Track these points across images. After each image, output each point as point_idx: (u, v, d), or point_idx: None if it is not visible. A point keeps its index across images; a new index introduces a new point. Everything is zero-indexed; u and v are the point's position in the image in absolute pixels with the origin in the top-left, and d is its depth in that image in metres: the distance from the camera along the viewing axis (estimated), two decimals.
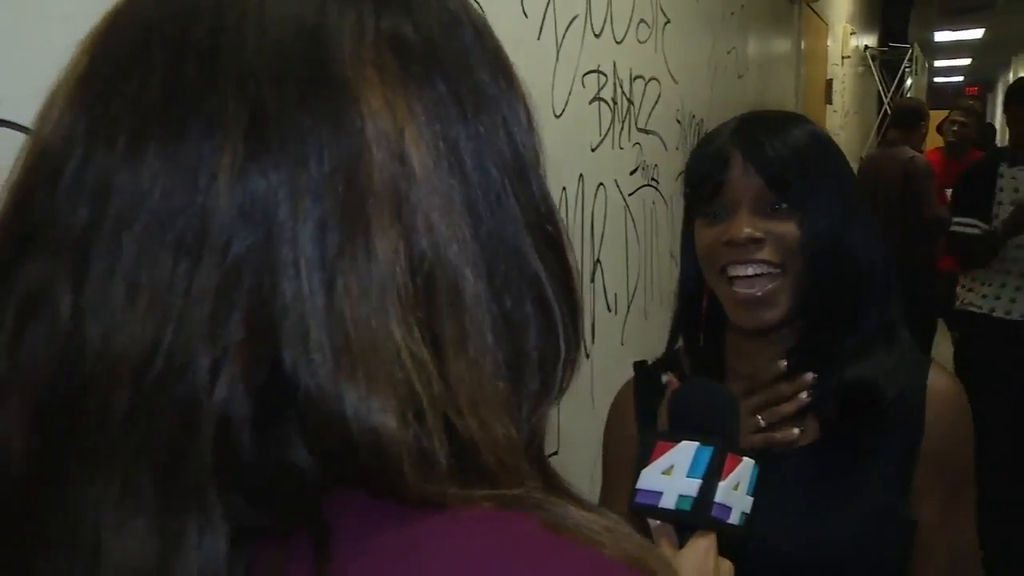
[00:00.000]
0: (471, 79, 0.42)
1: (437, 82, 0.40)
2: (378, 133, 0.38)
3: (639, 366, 1.14)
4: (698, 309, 1.06)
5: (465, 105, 0.41)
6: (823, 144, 1.02)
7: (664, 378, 1.01)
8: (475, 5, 0.45)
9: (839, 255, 0.97)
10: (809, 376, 0.98)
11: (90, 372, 0.35)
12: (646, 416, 1.07)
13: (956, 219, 3.21)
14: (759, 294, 0.97)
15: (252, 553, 0.36)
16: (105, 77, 0.38)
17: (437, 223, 0.38)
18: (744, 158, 0.98)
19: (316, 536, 0.35)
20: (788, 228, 0.97)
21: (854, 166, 1.58)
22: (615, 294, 2.09)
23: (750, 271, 0.97)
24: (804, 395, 0.98)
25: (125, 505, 0.34)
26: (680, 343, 1.10)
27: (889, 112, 5.82)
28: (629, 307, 2.19)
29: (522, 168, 0.42)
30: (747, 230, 0.96)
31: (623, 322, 2.14)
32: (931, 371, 1.01)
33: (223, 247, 0.35)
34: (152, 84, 0.37)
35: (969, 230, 3.13)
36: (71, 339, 0.35)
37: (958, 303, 3.29)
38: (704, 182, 1.00)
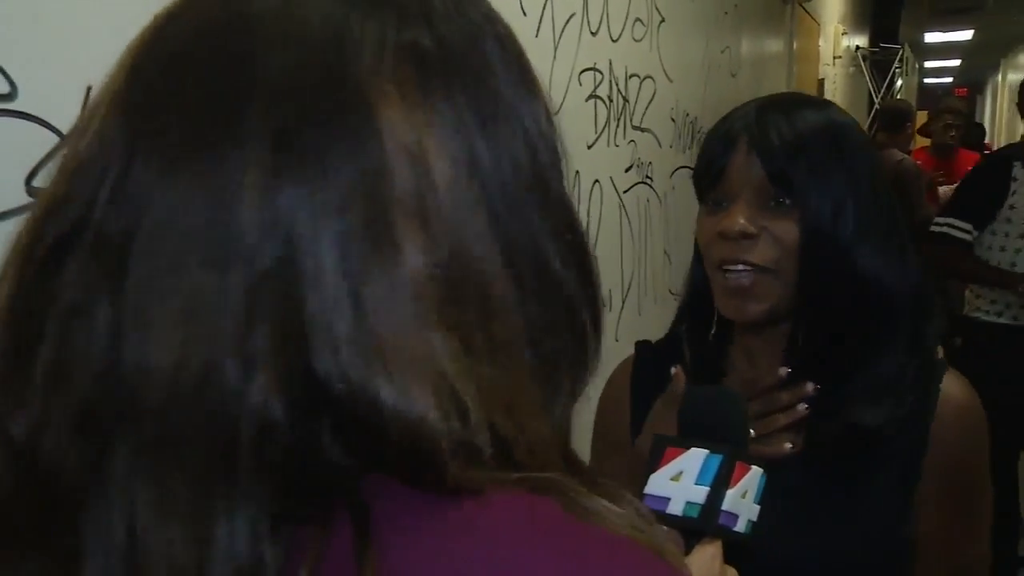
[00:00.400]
0: (490, 89, 0.43)
1: (456, 93, 0.41)
2: (399, 146, 0.39)
3: (642, 345, 1.12)
4: (708, 297, 1.02)
5: (484, 115, 0.42)
6: (840, 137, 0.94)
7: (673, 369, 0.97)
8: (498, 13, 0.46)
9: (842, 272, 0.91)
10: (809, 387, 0.93)
11: (128, 381, 0.36)
12: (641, 400, 1.04)
13: (952, 220, 3.00)
14: (746, 283, 0.93)
15: (291, 537, 0.37)
16: (143, 92, 0.40)
17: (461, 232, 0.40)
18: (749, 145, 0.92)
19: (355, 515, 0.37)
20: (787, 227, 0.91)
21: None
22: (609, 290, 2.11)
23: (739, 268, 0.93)
24: (802, 407, 0.93)
25: (161, 507, 0.36)
26: (684, 328, 1.06)
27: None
28: (624, 303, 2.21)
29: (542, 176, 0.43)
30: (741, 222, 0.91)
31: (617, 318, 2.16)
32: (945, 379, 0.95)
33: (249, 261, 0.36)
34: (186, 102, 0.38)
35: (960, 234, 2.97)
36: (109, 349, 0.37)
37: (967, 309, 3.17)
38: (708, 166, 0.96)
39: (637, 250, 2.31)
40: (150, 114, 0.39)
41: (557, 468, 0.41)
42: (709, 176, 0.96)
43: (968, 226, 2.97)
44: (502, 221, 0.41)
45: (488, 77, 0.43)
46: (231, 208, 0.37)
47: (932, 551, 0.94)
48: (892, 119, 4.70)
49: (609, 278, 2.11)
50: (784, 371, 0.95)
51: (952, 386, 0.95)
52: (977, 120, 11.34)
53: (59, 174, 0.41)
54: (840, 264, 0.91)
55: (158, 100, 0.39)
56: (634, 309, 2.28)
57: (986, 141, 8.11)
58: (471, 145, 0.41)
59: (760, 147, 0.92)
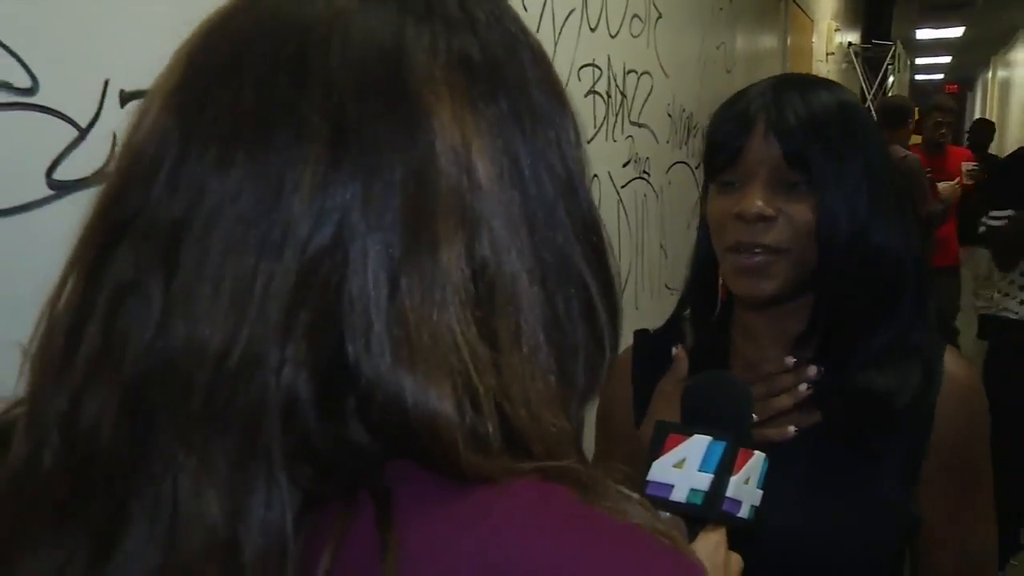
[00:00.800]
0: (528, 98, 0.45)
1: (500, 100, 0.43)
2: (447, 146, 0.41)
3: (640, 334, 1.12)
4: (712, 280, 1.01)
5: (524, 123, 0.44)
6: (855, 121, 0.94)
7: (674, 350, 0.97)
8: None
9: (857, 248, 0.91)
10: (812, 370, 0.94)
11: (176, 358, 0.38)
12: (643, 387, 1.05)
13: (992, 213, 3.08)
14: (760, 263, 0.93)
15: (316, 517, 0.38)
16: (200, 87, 0.41)
17: (498, 230, 0.41)
18: (766, 125, 0.92)
19: (377, 500, 0.38)
20: (801, 209, 0.91)
21: None
22: None
23: (755, 251, 0.92)
24: (804, 387, 0.94)
25: (200, 475, 0.37)
26: (687, 313, 1.06)
27: (872, 109, 5.87)
28: (621, 298, 2.22)
29: (572, 182, 0.45)
30: (759, 204, 0.91)
31: None
32: (946, 359, 0.96)
33: (302, 248, 0.38)
34: (244, 95, 0.40)
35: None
36: (160, 327, 0.38)
37: (994, 309, 3.18)
38: (724, 146, 0.95)
39: (634, 245, 2.32)
40: (206, 107, 0.40)
41: (571, 459, 0.43)
42: (724, 157, 0.95)
43: (1007, 213, 3.04)
44: (536, 222, 0.43)
45: (526, 87, 0.45)
46: (287, 197, 0.38)
47: (940, 533, 0.95)
48: (893, 116, 4.70)
49: None
50: (790, 361, 0.96)
51: (954, 365, 0.96)
52: (967, 117, 11.37)
53: (116, 166, 0.42)
54: (854, 244, 0.91)
55: (214, 94, 0.41)
56: (631, 303, 2.29)
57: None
58: (513, 150, 0.43)
59: (778, 127, 0.92)
